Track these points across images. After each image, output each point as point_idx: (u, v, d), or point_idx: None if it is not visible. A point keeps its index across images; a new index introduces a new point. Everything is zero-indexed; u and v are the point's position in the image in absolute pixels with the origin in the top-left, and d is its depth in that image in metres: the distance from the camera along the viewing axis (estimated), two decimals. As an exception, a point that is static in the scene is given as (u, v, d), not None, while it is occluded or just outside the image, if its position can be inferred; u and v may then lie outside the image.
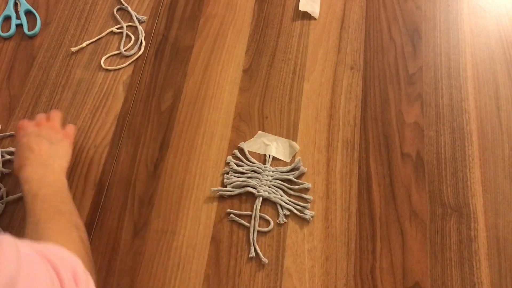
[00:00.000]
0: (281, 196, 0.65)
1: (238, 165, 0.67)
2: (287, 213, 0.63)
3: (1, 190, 0.65)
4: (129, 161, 0.68)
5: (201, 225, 0.63)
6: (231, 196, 0.65)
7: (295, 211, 0.63)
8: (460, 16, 0.79)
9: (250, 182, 0.65)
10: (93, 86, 0.74)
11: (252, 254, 0.61)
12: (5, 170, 0.67)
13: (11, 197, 0.65)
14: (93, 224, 0.64)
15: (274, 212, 0.64)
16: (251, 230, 0.62)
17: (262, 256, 0.61)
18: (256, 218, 0.63)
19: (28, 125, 0.62)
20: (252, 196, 0.65)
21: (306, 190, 0.65)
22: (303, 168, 0.66)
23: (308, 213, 0.63)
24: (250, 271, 0.60)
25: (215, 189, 0.65)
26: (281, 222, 0.63)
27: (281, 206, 0.64)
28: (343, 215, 0.64)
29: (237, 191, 0.65)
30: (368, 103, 0.72)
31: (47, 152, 0.59)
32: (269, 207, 0.64)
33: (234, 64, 0.76)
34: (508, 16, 0.79)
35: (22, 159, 0.57)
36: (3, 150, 0.68)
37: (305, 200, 0.64)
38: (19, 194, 0.65)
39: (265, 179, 0.65)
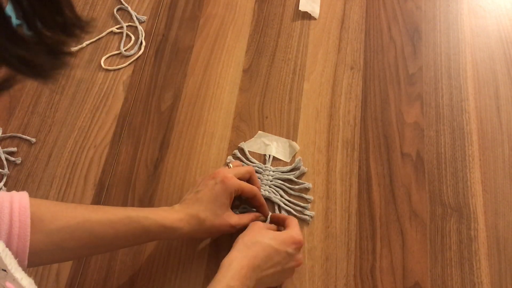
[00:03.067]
0: (281, 196, 0.65)
1: (238, 165, 0.67)
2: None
3: (1, 189, 0.65)
4: (129, 161, 0.68)
5: (201, 225, 0.63)
6: (231, 196, 0.65)
7: (294, 212, 0.63)
8: (460, 16, 0.79)
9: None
10: (93, 86, 0.74)
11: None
12: (5, 171, 0.67)
13: (11, 197, 0.65)
14: (93, 224, 0.64)
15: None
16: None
17: None
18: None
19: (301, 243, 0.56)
20: (252, 196, 0.65)
21: (306, 190, 0.65)
22: (303, 168, 0.66)
23: (308, 214, 0.63)
24: (250, 271, 0.60)
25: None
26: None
27: (280, 207, 0.64)
28: (343, 215, 0.64)
29: (237, 191, 0.65)
30: (368, 103, 0.72)
31: (272, 277, 0.53)
32: (269, 206, 0.64)
33: (234, 64, 0.76)
34: (508, 16, 0.79)
35: (262, 254, 0.52)
36: (3, 150, 0.68)
37: (306, 200, 0.64)
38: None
39: (265, 179, 0.65)
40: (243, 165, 0.65)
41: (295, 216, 0.63)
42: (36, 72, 0.24)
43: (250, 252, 0.52)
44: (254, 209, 0.63)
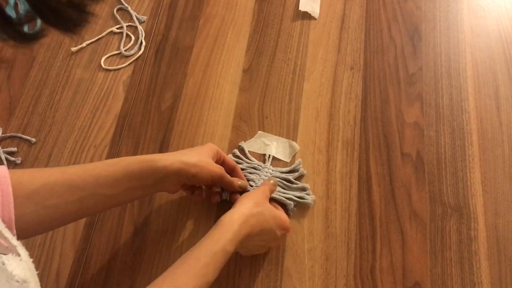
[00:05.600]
0: (279, 190, 0.64)
1: (238, 163, 0.67)
2: (293, 205, 0.63)
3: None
4: (129, 161, 0.68)
5: (201, 224, 0.63)
6: (231, 196, 0.65)
7: (295, 198, 0.63)
8: (460, 16, 0.79)
9: (249, 176, 0.65)
10: (93, 86, 0.74)
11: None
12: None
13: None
14: (93, 224, 0.64)
15: (274, 212, 0.64)
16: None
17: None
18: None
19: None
20: (252, 196, 0.65)
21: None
22: (302, 170, 0.66)
23: (310, 197, 0.63)
24: (250, 271, 0.60)
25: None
26: (291, 214, 0.63)
27: (280, 195, 0.64)
28: (343, 215, 0.64)
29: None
30: (368, 103, 0.72)
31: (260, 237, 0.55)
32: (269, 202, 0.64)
33: (234, 64, 0.76)
34: (508, 16, 0.79)
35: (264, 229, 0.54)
36: (3, 150, 0.68)
37: (305, 188, 0.64)
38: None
39: (263, 175, 0.65)
40: None
41: (296, 201, 0.63)
42: (64, 24, 0.30)
43: (252, 220, 0.52)
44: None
